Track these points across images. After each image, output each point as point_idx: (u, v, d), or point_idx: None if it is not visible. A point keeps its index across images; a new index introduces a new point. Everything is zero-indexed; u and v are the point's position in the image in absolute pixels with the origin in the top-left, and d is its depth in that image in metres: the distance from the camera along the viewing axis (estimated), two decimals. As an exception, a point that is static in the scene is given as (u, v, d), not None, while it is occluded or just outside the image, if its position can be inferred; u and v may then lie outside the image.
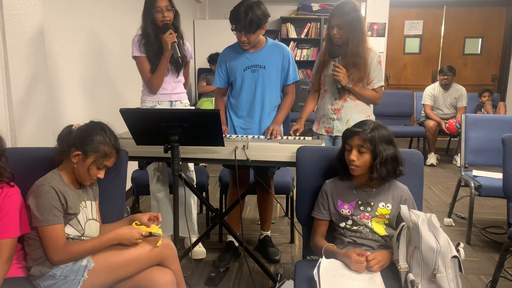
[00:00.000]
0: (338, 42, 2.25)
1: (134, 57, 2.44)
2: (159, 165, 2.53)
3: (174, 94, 2.52)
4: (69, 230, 1.49)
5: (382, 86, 2.35)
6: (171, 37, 2.27)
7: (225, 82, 2.41)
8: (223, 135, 2.19)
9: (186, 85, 2.68)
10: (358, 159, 1.53)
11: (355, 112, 2.32)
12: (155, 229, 1.55)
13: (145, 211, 3.37)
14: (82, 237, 1.52)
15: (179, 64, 2.46)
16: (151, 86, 2.44)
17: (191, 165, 2.64)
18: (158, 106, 2.49)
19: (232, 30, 2.22)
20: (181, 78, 2.58)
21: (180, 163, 1.70)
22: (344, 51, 2.26)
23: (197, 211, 2.96)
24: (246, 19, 2.12)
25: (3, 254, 1.34)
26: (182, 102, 2.58)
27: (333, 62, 2.27)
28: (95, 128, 1.53)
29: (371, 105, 2.43)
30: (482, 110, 5.29)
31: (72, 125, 1.57)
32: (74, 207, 1.49)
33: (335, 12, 2.22)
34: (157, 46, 2.35)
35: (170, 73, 2.47)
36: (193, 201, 2.68)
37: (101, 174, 1.54)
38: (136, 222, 1.58)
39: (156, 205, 2.60)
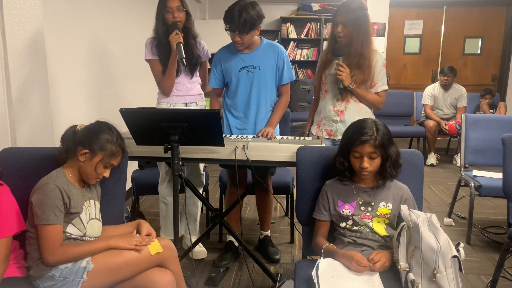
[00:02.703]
0: (342, 41, 2.17)
1: (147, 60, 2.43)
2: (168, 168, 2.48)
3: (189, 95, 2.49)
4: (71, 230, 1.49)
5: (386, 90, 2.24)
6: (176, 37, 2.24)
7: (220, 83, 2.40)
8: (229, 136, 2.19)
9: (204, 86, 2.63)
10: (370, 165, 1.52)
11: (358, 116, 2.15)
12: (156, 246, 1.54)
13: (145, 211, 3.37)
14: (84, 237, 1.52)
15: (193, 64, 2.44)
16: (162, 88, 2.43)
17: (201, 169, 2.61)
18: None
19: (226, 30, 2.22)
20: (197, 79, 2.53)
21: (181, 163, 1.70)
22: (348, 51, 2.17)
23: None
24: (240, 19, 2.11)
25: (0, 254, 1.34)
26: (198, 105, 2.54)
27: (336, 61, 2.17)
28: (102, 128, 1.54)
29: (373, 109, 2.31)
30: (480, 110, 5.29)
31: (76, 125, 1.59)
32: (77, 206, 1.49)
33: (340, 9, 2.14)
34: (168, 47, 2.32)
35: (183, 74, 2.44)
36: (199, 203, 2.68)
37: (107, 173, 1.55)
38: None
39: (165, 208, 2.58)
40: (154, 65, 2.42)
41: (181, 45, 2.24)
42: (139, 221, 1.65)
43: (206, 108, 2.66)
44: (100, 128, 1.54)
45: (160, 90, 2.48)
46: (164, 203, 2.57)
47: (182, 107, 2.48)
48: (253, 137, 2.20)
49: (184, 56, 2.25)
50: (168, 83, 2.40)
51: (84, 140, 1.51)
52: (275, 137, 2.21)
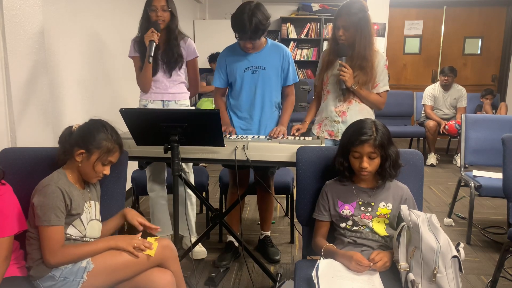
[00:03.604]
0: (343, 43, 2.16)
1: (130, 57, 2.47)
2: (152, 164, 2.49)
3: (168, 93, 2.49)
4: (72, 231, 1.49)
5: (387, 91, 2.25)
6: (150, 35, 2.26)
7: (224, 83, 2.40)
8: (229, 136, 2.20)
9: (195, 85, 2.63)
10: (369, 165, 1.52)
11: (360, 116, 2.14)
12: (154, 245, 1.53)
13: (145, 211, 3.36)
14: (84, 238, 1.52)
15: (172, 63, 2.44)
16: (139, 84, 2.48)
17: (186, 167, 2.62)
18: (150, 105, 2.49)
19: (237, 38, 2.21)
20: (178, 78, 2.52)
21: (180, 163, 1.70)
22: (350, 53, 2.16)
23: (197, 211, 2.95)
24: (251, 27, 2.09)
25: (1, 253, 1.35)
26: (178, 103, 2.54)
27: (339, 61, 2.16)
28: (96, 125, 1.54)
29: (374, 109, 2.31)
30: (482, 110, 5.30)
31: (72, 126, 1.58)
32: (78, 208, 1.49)
33: (341, 12, 2.12)
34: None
35: (161, 72, 2.45)
36: (190, 202, 2.67)
37: (106, 171, 1.55)
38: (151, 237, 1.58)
39: (151, 204, 2.60)
40: (135, 62, 2.46)
41: (153, 43, 2.25)
42: (128, 212, 1.62)
43: (189, 107, 2.66)
44: (93, 127, 1.53)
45: (139, 86, 2.51)
46: (151, 199, 2.59)
47: (159, 104, 2.50)
48: (258, 137, 2.20)
49: (151, 55, 2.26)
50: (142, 80, 2.43)
51: (79, 140, 1.51)
52: (287, 137, 2.21)
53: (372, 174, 1.57)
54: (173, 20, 2.40)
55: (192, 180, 2.66)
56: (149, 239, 1.54)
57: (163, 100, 2.50)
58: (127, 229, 1.65)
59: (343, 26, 2.12)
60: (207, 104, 5.18)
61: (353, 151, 1.54)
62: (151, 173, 2.54)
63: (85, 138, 1.50)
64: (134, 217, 1.61)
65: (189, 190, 2.54)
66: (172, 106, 2.51)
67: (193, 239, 2.61)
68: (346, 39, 2.14)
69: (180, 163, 1.72)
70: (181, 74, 2.54)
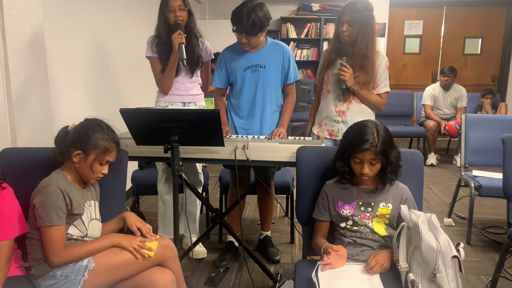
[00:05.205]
0: (346, 41, 2.15)
1: (147, 57, 2.44)
2: (168, 166, 2.51)
3: (188, 95, 2.49)
4: (73, 231, 1.49)
5: (388, 92, 2.24)
6: (179, 37, 2.25)
7: (225, 83, 2.40)
8: (226, 136, 2.20)
9: (205, 86, 2.63)
10: (370, 170, 1.52)
11: (360, 116, 2.16)
12: (154, 245, 1.54)
13: (145, 211, 3.37)
14: (85, 238, 1.52)
15: (194, 64, 2.44)
16: (161, 86, 2.44)
17: (199, 167, 2.62)
18: (170, 107, 2.47)
19: (233, 31, 2.21)
20: (197, 78, 2.53)
21: (181, 163, 1.70)
22: (351, 52, 2.15)
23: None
24: (249, 21, 2.10)
25: (2, 256, 1.35)
26: (197, 104, 2.54)
27: (340, 61, 2.16)
28: (92, 125, 1.53)
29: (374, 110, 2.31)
30: (482, 110, 5.30)
31: (67, 126, 1.57)
32: (78, 208, 1.49)
33: (347, 9, 2.12)
34: (168, 46, 2.33)
35: (183, 73, 2.45)
36: (198, 202, 2.68)
37: (105, 170, 1.54)
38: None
39: (163, 206, 2.59)
40: (154, 63, 2.43)
41: (183, 45, 2.25)
42: (127, 216, 1.61)
43: (206, 108, 2.66)
44: (89, 126, 1.52)
45: (159, 88, 2.48)
46: (163, 202, 2.58)
47: (180, 106, 2.48)
48: (258, 137, 2.20)
49: (185, 57, 2.25)
50: (166, 83, 2.41)
51: (75, 141, 1.50)
52: (287, 137, 2.20)
53: (372, 178, 1.57)
54: (191, 18, 2.39)
55: (202, 180, 2.66)
56: (149, 243, 1.53)
57: (184, 102, 2.49)
58: (127, 230, 1.64)
59: (348, 22, 2.12)
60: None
61: (354, 156, 1.53)
62: (169, 175, 2.52)
63: (81, 139, 1.49)
64: (134, 222, 1.59)
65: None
66: (192, 107, 2.51)
67: (194, 239, 2.61)
68: (349, 35, 2.14)
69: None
70: (198, 75, 2.54)
